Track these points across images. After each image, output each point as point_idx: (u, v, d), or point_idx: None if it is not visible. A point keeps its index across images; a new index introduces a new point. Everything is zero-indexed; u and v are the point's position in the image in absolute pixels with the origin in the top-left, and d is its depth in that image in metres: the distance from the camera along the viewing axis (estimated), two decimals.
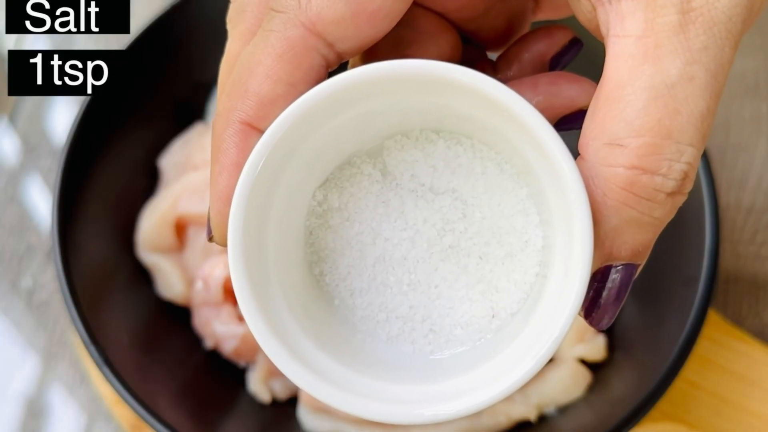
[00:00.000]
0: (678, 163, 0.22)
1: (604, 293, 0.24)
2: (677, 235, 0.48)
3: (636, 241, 0.23)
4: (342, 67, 0.25)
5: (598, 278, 0.24)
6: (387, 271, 0.26)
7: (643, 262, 0.24)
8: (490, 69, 0.29)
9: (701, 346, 0.50)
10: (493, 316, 0.26)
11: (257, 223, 0.24)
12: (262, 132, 0.23)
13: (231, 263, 0.23)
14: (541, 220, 0.25)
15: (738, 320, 0.54)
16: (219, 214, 0.24)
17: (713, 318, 0.51)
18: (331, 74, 0.24)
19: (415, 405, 0.24)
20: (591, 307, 0.24)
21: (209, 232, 0.25)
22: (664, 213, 0.23)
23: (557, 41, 0.29)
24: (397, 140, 0.26)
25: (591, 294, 0.24)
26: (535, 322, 0.24)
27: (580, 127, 0.24)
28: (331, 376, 0.24)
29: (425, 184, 0.26)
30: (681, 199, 0.23)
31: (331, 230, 0.26)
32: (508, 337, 0.25)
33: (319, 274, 0.27)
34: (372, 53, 0.26)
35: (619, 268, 0.24)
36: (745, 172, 0.60)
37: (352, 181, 0.26)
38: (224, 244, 0.24)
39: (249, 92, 0.24)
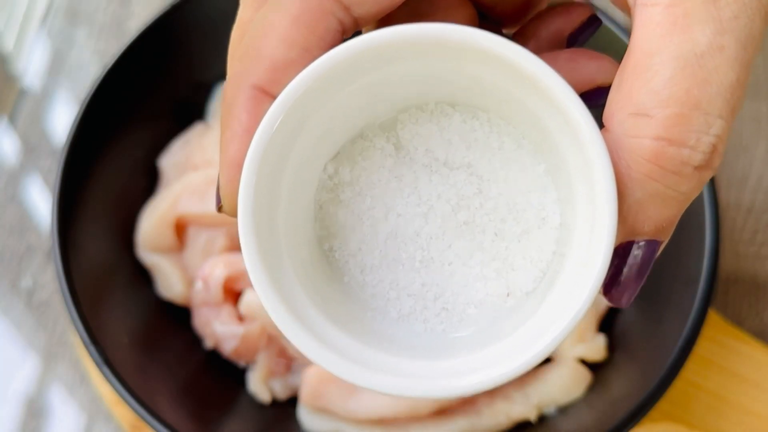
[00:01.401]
0: (707, 136, 0.21)
1: (625, 270, 0.23)
2: (677, 235, 0.48)
3: (660, 216, 0.22)
4: (356, 36, 0.24)
5: (620, 254, 0.23)
6: (399, 248, 0.25)
7: (667, 240, 0.23)
8: None
9: (701, 347, 0.50)
10: (507, 295, 0.25)
11: (268, 192, 0.23)
12: (274, 98, 0.23)
13: (241, 231, 0.22)
14: (559, 197, 0.25)
15: (738, 320, 0.54)
16: (230, 182, 0.23)
17: (713, 318, 0.51)
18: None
19: (430, 379, 0.23)
20: (611, 284, 0.23)
21: (218, 201, 0.24)
22: (690, 188, 0.22)
23: (575, 18, 0.28)
24: (412, 113, 0.26)
25: (611, 270, 0.23)
26: (554, 297, 0.23)
27: (599, 105, 0.24)
28: (343, 349, 0.23)
29: (440, 158, 0.25)
30: (709, 174, 0.22)
31: (342, 205, 0.26)
32: (523, 316, 0.24)
33: (329, 250, 0.26)
34: (387, 23, 0.25)
35: (641, 244, 0.23)
36: (745, 172, 0.60)
37: (364, 154, 0.26)
38: (233, 214, 0.23)
39: (262, 56, 0.23)
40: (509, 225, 0.25)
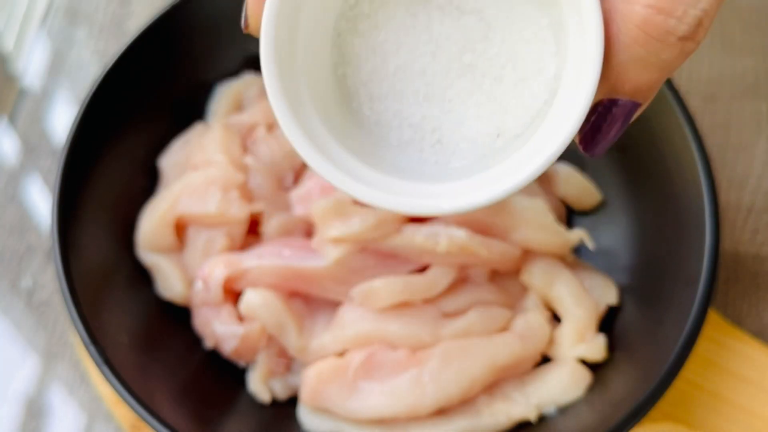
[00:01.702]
0: (693, 9, 0.23)
1: (603, 123, 0.25)
2: (677, 235, 0.48)
3: (640, 79, 0.24)
4: None
5: (599, 109, 0.25)
6: (405, 81, 0.28)
7: (646, 104, 0.25)
8: None
9: (701, 347, 0.50)
10: (498, 135, 0.27)
11: (290, 14, 0.25)
12: None
13: (262, 47, 0.25)
14: (557, 50, 0.27)
15: (738, 320, 0.54)
16: (256, 3, 0.25)
17: (713, 318, 0.51)
18: None
19: (419, 198, 0.26)
20: (588, 135, 0.26)
21: (245, 20, 0.26)
22: (672, 56, 0.24)
23: None
24: None
25: (590, 124, 0.26)
26: (538, 138, 0.26)
27: None
28: (342, 162, 0.26)
29: (453, 2, 0.27)
30: (692, 47, 0.24)
31: (358, 35, 0.28)
32: (509, 155, 0.27)
33: (342, 76, 0.28)
34: None
35: (620, 102, 0.25)
36: (745, 172, 0.60)
37: None
38: (257, 33, 0.25)
39: None
40: (508, 71, 0.27)
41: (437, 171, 0.28)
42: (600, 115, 0.26)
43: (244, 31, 0.27)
